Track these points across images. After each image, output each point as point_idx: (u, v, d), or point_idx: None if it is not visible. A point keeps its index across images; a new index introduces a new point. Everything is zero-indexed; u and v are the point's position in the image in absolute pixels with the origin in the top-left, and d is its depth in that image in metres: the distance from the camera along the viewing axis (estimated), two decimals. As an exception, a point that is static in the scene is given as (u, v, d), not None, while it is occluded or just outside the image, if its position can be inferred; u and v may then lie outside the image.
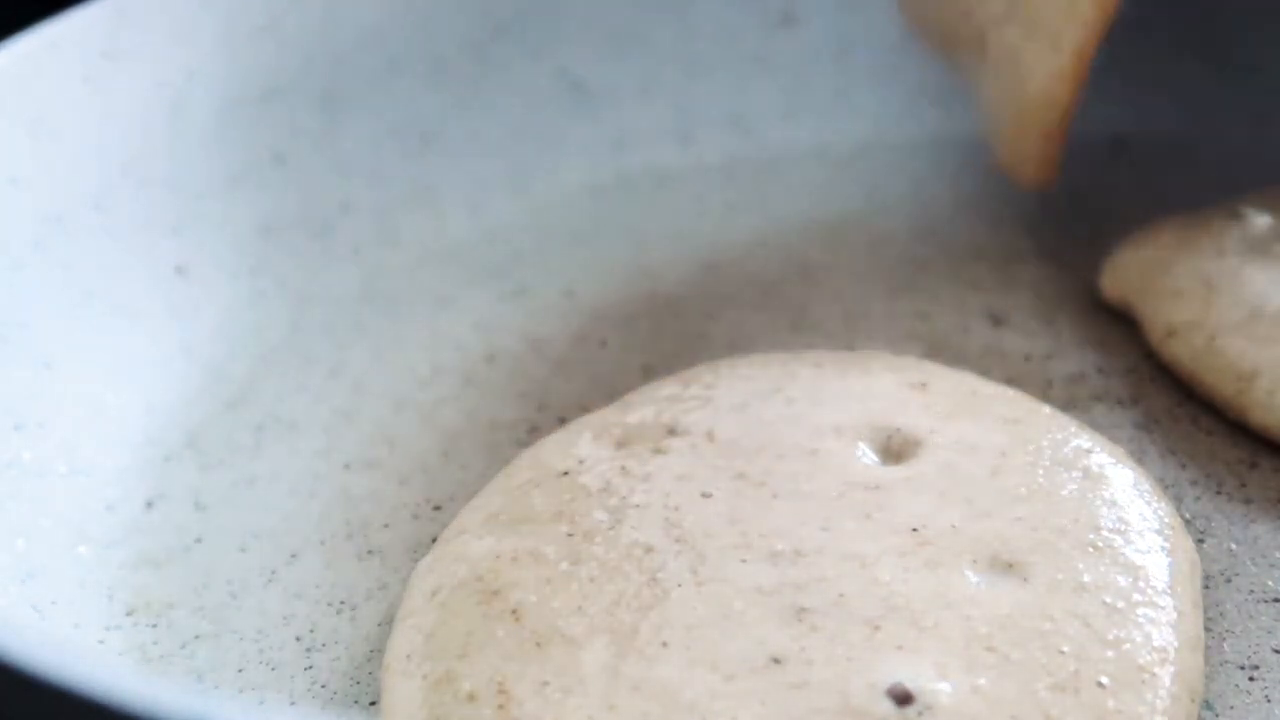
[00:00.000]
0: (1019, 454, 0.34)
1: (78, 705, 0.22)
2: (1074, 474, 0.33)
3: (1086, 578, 0.30)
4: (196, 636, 0.33)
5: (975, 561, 0.31)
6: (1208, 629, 0.32)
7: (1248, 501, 0.35)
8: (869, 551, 0.31)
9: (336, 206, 0.46)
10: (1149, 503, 0.33)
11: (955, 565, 0.31)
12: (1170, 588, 0.31)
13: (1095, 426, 0.36)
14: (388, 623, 0.33)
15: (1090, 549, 0.31)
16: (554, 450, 0.35)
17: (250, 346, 0.42)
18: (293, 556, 0.36)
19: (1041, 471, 0.33)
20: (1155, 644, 0.29)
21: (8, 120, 0.39)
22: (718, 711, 0.28)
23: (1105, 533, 0.32)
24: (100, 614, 0.34)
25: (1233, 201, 0.43)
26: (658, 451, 0.34)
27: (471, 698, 0.29)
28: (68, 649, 0.23)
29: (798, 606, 0.30)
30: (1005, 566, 0.31)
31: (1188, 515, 0.35)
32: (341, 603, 0.34)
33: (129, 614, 0.34)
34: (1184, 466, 0.37)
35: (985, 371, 0.39)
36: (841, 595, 0.30)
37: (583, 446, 0.35)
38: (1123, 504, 0.32)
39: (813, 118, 0.48)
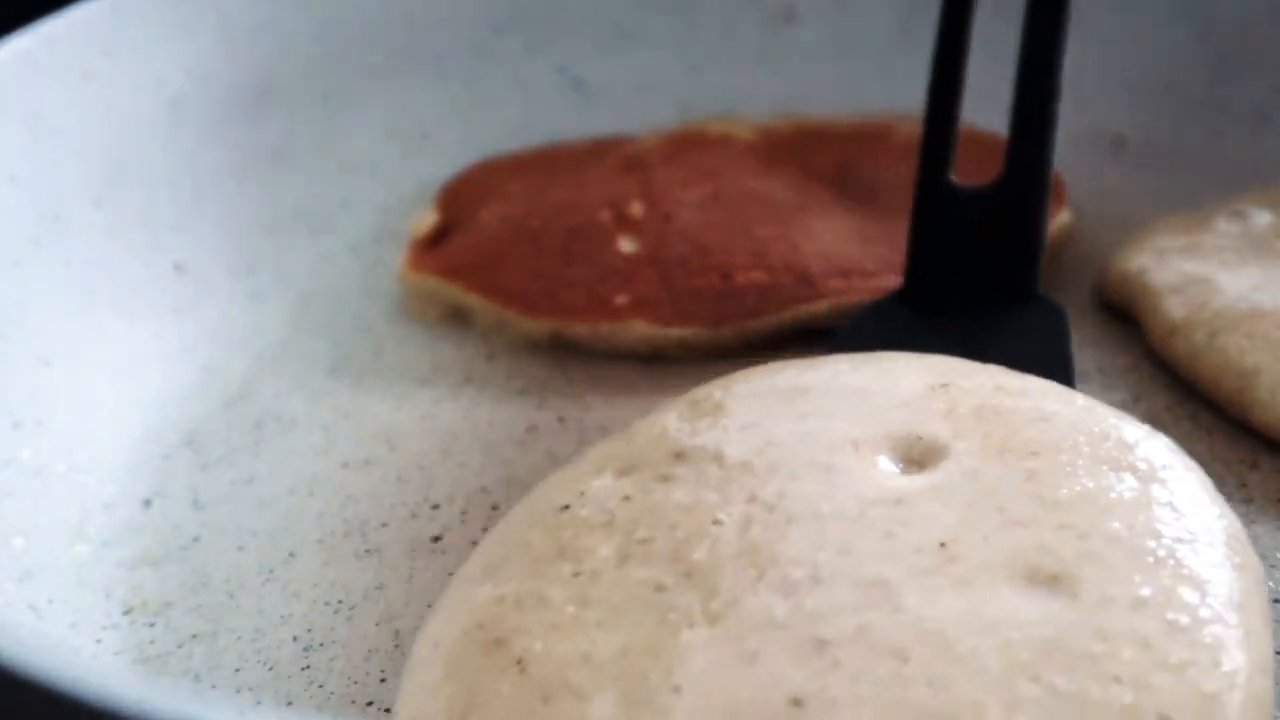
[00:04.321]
0: (1055, 453, 0.30)
1: (73, 707, 0.22)
2: (1122, 473, 0.30)
3: (1145, 591, 0.27)
4: (194, 636, 0.33)
5: (1012, 577, 0.27)
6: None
7: (1248, 501, 0.35)
8: (893, 574, 0.28)
9: (336, 204, 0.46)
10: (1214, 504, 0.29)
11: (990, 583, 0.27)
12: (1240, 603, 0.27)
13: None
14: (385, 622, 0.33)
15: (1150, 559, 0.27)
16: (552, 485, 0.33)
17: (249, 344, 0.42)
18: (291, 555, 0.36)
19: (1083, 471, 0.29)
20: (1224, 668, 0.26)
21: (7, 117, 0.39)
22: None
23: (1166, 540, 0.28)
24: (98, 613, 0.34)
25: (1233, 201, 0.43)
26: (664, 479, 0.31)
27: None
28: (64, 649, 0.23)
29: (817, 639, 0.27)
30: (1048, 581, 0.27)
31: (1187, 515, 0.35)
32: (339, 602, 0.34)
33: (126, 613, 0.34)
34: (1183, 466, 0.37)
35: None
36: (863, 625, 0.27)
37: (584, 478, 0.32)
38: (1183, 508, 0.29)
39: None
